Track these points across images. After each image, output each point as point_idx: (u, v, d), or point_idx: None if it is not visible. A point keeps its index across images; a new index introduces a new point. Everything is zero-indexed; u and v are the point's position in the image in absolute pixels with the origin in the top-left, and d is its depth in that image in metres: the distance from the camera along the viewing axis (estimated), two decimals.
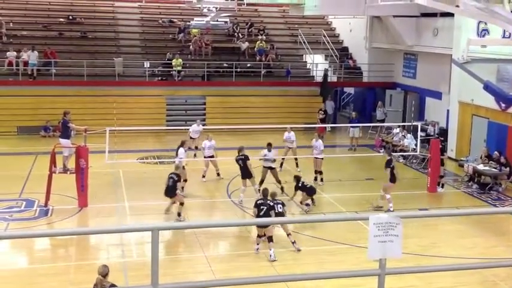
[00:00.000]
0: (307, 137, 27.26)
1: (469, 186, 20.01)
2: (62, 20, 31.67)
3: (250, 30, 32.93)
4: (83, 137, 17.35)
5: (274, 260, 13.41)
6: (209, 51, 30.77)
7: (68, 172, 17.17)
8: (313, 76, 31.42)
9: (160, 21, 33.00)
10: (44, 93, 27.10)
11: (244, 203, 17.28)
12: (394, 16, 27.29)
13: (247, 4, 33.51)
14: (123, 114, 26.22)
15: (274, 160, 18.81)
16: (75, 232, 11.50)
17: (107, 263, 10.47)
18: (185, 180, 18.12)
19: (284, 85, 30.07)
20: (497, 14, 14.80)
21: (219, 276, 12.47)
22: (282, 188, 18.35)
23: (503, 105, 20.98)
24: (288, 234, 14.13)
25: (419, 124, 21.71)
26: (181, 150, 18.81)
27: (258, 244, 13.88)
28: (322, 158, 19.73)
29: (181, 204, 15.94)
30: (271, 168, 18.58)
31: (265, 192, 14.31)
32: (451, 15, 23.20)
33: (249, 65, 30.52)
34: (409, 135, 23.63)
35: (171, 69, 29.10)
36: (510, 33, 19.71)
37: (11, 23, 30.46)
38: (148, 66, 29.04)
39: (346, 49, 33.53)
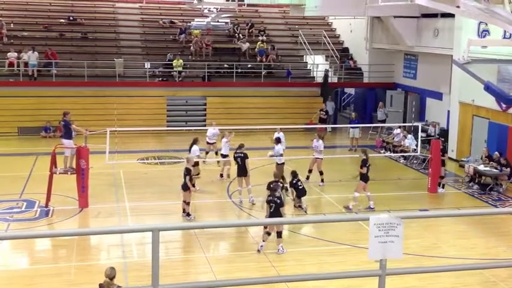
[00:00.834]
0: (307, 138, 27.32)
1: (469, 187, 20.00)
2: (62, 20, 31.69)
3: (250, 31, 32.94)
4: (84, 137, 17.35)
5: (283, 252, 13.72)
6: (210, 52, 30.78)
7: (69, 172, 17.17)
8: (314, 77, 31.43)
9: (160, 22, 33.02)
10: (44, 93, 27.12)
11: (244, 204, 17.29)
12: (395, 17, 27.29)
13: (248, 5, 33.55)
14: (123, 114, 26.23)
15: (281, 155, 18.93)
16: (75, 233, 11.53)
17: (107, 264, 10.47)
18: (197, 174, 18.58)
19: (284, 86, 30.08)
20: (498, 14, 14.79)
21: (220, 276, 12.47)
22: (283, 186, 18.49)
23: (503, 105, 20.99)
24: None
25: (419, 125, 21.71)
26: (195, 147, 18.81)
27: (263, 241, 13.88)
28: (321, 159, 19.74)
29: (185, 202, 15.89)
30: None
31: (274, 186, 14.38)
32: (452, 15, 23.20)
33: (249, 65, 30.54)
34: (409, 135, 23.63)
35: (171, 70, 29.11)
36: (511, 34, 19.72)
37: (12, 24, 30.48)
38: (148, 67, 29.05)
39: (346, 50, 33.54)
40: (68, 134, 17.87)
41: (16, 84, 27.25)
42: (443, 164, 19.44)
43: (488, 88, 16.76)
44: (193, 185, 16.22)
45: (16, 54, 27.51)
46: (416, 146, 21.73)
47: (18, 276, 12.74)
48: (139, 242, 14.31)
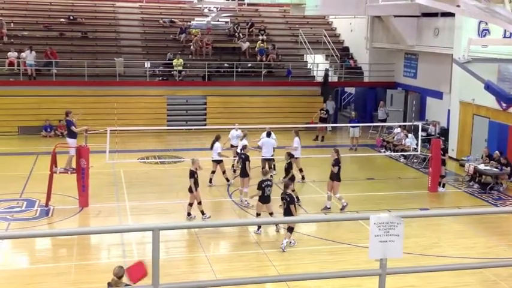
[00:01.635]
0: (308, 137, 27.33)
1: (470, 186, 20.00)
2: (62, 20, 31.68)
3: (251, 30, 32.93)
4: (84, 137, 17.35)
5: (293, 245, 13.94)
6: (210, 51, 30.78)
7: (69, 172, 17.18)
8: (314, 76, 31.42)
9: (161, 21, 33.01)
10: (44, 93, 27.12)
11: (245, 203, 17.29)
12: (395, 16, 27.29)
13: (248, 4, 33.51)
14: (124, 114, 26.24)
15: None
16: (76, 232, 11.49)
17: (108, 263, 10.47)
18: (213, 172, 18.88)
19: (285, 85, 30.08)
20: (498, 13, 14.79)
21: (220, 276, 12.48)
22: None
23: (504, 104, 20.99)
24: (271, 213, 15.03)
25: (420, 124, 21.71)
26: (217, 144, 18.83)
27: (286, 239, 14.04)
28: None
29: (190, 204, 15.85)
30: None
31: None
32: (452, 15, 23.20)
33: (249, 65, 30.53)
34: (410, 134, 23.63)
35: (171, 69, 29.11)
36: (511, 33, 19.71)
37: (12, 23, 30.48)
38: (149, 66, 29.06)
39: (347, 49, 33.54)
40: (71, 133, 17.87)
41: (16, 83, 27.25)
42: (443, 163, 19.44)
43: (488, 87, 16.75)
44: (196, 189, 15.90)
45: (16, 53, 27.51)
46: (417, 145, 21.73)
47: (19, 276, 12.74)
48: (140, 242, 14.32)
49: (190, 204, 15.91)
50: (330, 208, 16.93)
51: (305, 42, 31.98)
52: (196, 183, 15.72)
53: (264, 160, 19.17)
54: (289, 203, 13.98)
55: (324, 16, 34.78)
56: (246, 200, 17.21)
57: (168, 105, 28.61)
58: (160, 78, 29.23)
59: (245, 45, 31.10)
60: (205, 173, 18.37)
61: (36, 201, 17.19)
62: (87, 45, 30.38)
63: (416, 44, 27.44)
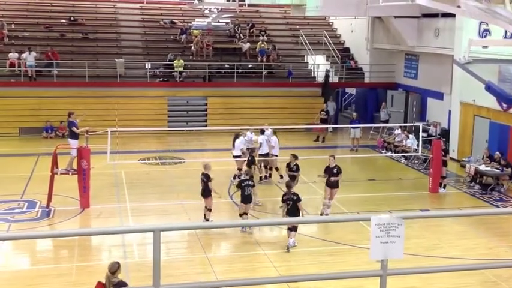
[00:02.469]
0: (308, 138, 27.34)
1: (471, 187, 19.99)
2: (63, 21, 31.70)
3: (251, 31, 32.93)
4: (85, 138, 17.36)
5: (293, 246, 13.93)
6: (210, 52, 30.78)
7: (70, 173, 17.18)
8: (315, 77, 31.42)
9: (161, 22, 33.02)
10: (45, 94, 27.13)
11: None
12: (396, 17, 27.29)
13: (249, 5, 33.52)
14: (124, 115, 26.23)
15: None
16: (77, 233, 11.54)
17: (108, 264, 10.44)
18: (239, 169, 18.85)
19: (285, 86, 30.07)
20: (499, 14, 14.79)
21: (221, 277, 12.48)
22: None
23: (504, 105, 20.98)
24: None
25: (421, 125, 21.70)
26: (238, 141, 18.88)
27: (291, 239, 14.02)
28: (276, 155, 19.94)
29: (209, 210, 15.54)
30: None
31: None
32: (453, 15, 23.20)
33: (250, 66, 30.54)
34: (410, 135, 23.63)
35: (172, 70, 29.12)
36: (511, 34, 19.71)
37: (13, 24, 30.51)
38: (149, 67, 29.07)
39: (347, 50, 33.54)
40: (73, 133, 17.88)
41: (17, 84, 27.27)
42: (444, 164, 19.43)
43: (489, 88, 16.75)
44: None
45: (17, 54, 27.52)
46: (418, 146, 21.72)
47: (20, 277, 12.74)
48: (141, 243, 14.32)
49: (209, 210, 15.57)
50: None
51: (306, 43, 31.98)
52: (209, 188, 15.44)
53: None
54: (296, 201, 14.01)
55: (325, 17, 34.78)
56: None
57: (168, 106, 28.62)
58: (161, 79, 29.23)
59: (246, 46, 31.11)
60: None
61: (37, 202, 17.19)
62: (87, 46, 30.40)
63: (417, 45, 27.44)
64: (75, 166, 17.16)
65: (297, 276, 10.51)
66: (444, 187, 19.46)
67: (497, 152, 20.25)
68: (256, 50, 31.08)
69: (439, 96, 26.60)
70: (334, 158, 16.68)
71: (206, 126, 28.23)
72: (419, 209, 17.39)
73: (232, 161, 19.74)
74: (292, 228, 14.06)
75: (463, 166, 21.60)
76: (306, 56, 32.71)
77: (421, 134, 21.00)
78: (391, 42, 29.13)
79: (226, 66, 30.20)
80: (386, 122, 27.74)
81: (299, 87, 30.30)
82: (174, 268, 12.85)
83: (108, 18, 33.00)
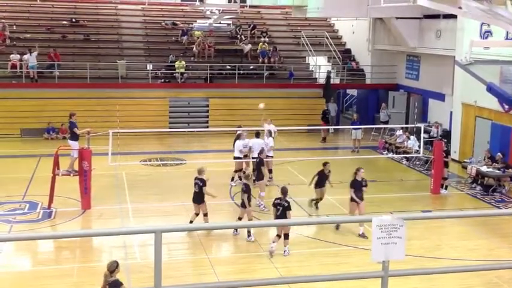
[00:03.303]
0: (309, 139, 27.35)
1: (472, 188, 19.98)
2: (65, 22, 31.73)
3: (252, 32, 32.95)
4: (86, 139, 17.37)
5: (288, 254, 13.72)
6: (212, 53, 30.81)
7: (71, 174, 17.20)
8: (316, 78, 31.43)
9: (163, 23, 33.05)
10: (47, 95, 27.16)
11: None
12: (397, 18, 27.29)
13: (250, 6, 33.59)
14: (126, 116, 26.20)
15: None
16: (78, 234, 11.56)
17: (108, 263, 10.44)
18: (235, 171, 18.98)
19: (287, 87, 30.09)
20: (500, 15, 14.79)
21: (222, 278, 12.47)
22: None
23: (506, 106, 20.94)
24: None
25: (422, 126, 21.69)
26: (238, 142, 18.86)
27: (274, 243, 13.75)
28: (272, 157, 19.83)
29: (205, 215, 15.18)
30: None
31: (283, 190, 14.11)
32: (454, 16, 23.21)
33: (251, 67, 30.55)
34: (412, 136, 23.62)
35: (174, 71, 29.14)
36: None
37: (14, 26, 30.54)
38: (151, 68, 29.08)
39: (349, 51, 33.54)
40: (74, 135, 17.89)
41: (19, 86, 27.30)
42: (446, 165, 19.42)
43: (490, 89, 16.75)
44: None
45: (19, 56, 27.56)
46: (419, 147, 21.71)
47: (21, 278, 12.76)
48: (142, 244, 14.32)
49: (205, 215, 15.23)
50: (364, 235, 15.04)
51: (307, 44, 31.98)
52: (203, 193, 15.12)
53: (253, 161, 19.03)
54: (286, 209, 13.64)
55: (326, 18, 34.78)
56: (262, 204, 17.19)
57: (170, 107, 28.63)
58: (163, 80, 29.26)
59: (247, 47, 31.13)
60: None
61: (39, 204, 17.20)
62: (89, 47, 30.43)
63: (418, 46, 27.44)
64: (76, 167, 17.18)
65: (298, 277, 10.49)
66: (446, 188, 19.45)
67: (499, 153, 20.23)
68: (258, 51, 31.10)
69: (441, 97, 26.59)
70: (363, 170, 15.46)
71: (207, 127, 28.25)
72: (421, 210, 17.39)
73: (234, 162, 19.76)
74: (285, 236, 13.66)
75: (465, 167, 21.58)
76: (307, 57, 32.72)
77: (422, 135, 20.98)
78: (392, 43, 29.14)
79: (228, 67, 30.22)
80: (386, 123, 27.74)
81: (300, 89, 30.31)
82: (175, 269, 12.85)
83: (110, 20, 33.03)
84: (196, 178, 15.23)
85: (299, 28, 33.95)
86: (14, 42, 29.33)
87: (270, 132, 19.99)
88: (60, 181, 17.04)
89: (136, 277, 12.35)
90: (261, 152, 17.85)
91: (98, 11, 33.57)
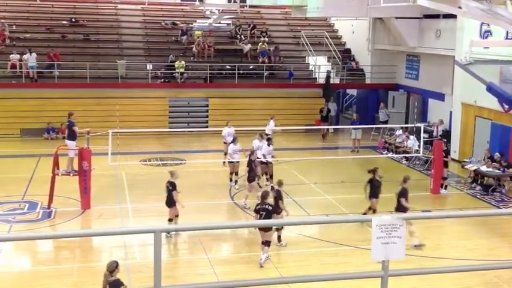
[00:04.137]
0: (308, 139, 27.36)
1: (472, 188, 19.98)
2: (64, 22, 31.72)
3: (252, 32, 32.94)
4: (86, 139, 17.37)
5: (266, 262, 13.21)
6: (212, 53, 30.80)
7: (71, 174, 17.20)
8: (316, 78, 31.43)
9: (163, 23, 33.04)
10: (47, 95, 27.16)
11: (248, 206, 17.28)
12: (397, 18, 27.29)
13: (250, 6, 33.56)
14: (125, 116, 26.18)
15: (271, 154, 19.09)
16: (78, 234, 11.54)
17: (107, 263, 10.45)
18: (231, 173, 18.96)
19: (287, 87, 30.09)
20: (500, 15, 14.79)
21: (222, 278, 12.47)
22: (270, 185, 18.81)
23: (506, 106, 20.94)
24: None
25: (422, 126, 21.70)
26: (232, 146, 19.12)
27: (264, 254, 13.20)
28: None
29: (176, 216, 14.87)
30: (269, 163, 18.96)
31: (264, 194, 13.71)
32: (454, 16, 23.21)
33: (251, 67, 30.55)
34: (412, 136, 23.63)
35: (173, 71, 29.14)
36: None
37: (14, 26, 30.53)
38: (151, 68, 29.08)
39: (348, 51, 33.54)
40: (71, 135, 17.88)
41: (18, 86, 27.29)
42: (445, 165, 19.42)
43: (490, 89, 16.76)
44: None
45: (18, 56, 27.55)
46: (419, 147, 21.70)
47: (21, 278, 12.76)
48: (142, 244, 14.31)
49: (176, 216, 14.85)
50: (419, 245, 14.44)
51: (307, 44, 31.98)
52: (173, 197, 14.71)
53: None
54: (272, 212, 13.30)
55: (326, 18, 34.77)
56: (246, 204, 17.23)
57: (170, 107, 28.64)
58: (162, 80, 29.26)
59: (247, 47, 31.13)
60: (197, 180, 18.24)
61: (39, 203, 17.20)
62: (89, 47, 30.43)
63: (418, 46, 27.44)
64: (76, 167, 17.18)
65: (298, 277, 10.50)
66: (445, 188, 19.45)
67: (497, 153, 20.23)
68: (257, 51, 31.10)
69: (440, 97, 26.59)
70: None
71: (207, 127, 28.24)
72: (421, 210, 17.36)
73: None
74: (265, 243, 13.20)
75: (464, 167, 21.58)
76: (307, 57, 32.72)
77: (422, 134, 20.98)
78: (392, 43, 29.13)
79: (228, 67, 30.21)
80: (386, 122, 27.75)
81: (300, 88, 30.31)
82: (175, 269, 12.85)
83: (110, 20, 33.02)
84: (167, 182, 14.94)
85: (299, 28, 33.94)
86: (14, 42, 29.32)
87: (261, 135, 19.78)
88: (59, 181, 17.04)
89: (136, 277, 12.35)
90: (252, 153, 17.69)
91: (97, 11, 33.56)
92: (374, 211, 15.55)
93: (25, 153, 23.47)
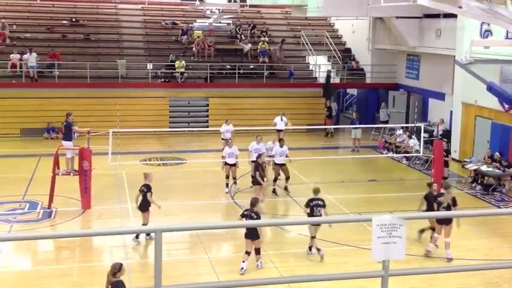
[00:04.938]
0: (309, 138, 27.36)
1: (472, 188, 19.97)
2: (65, 22, 31.72)
3: (252, 31, 32.93)
4: (86, 138, 17.37)
5: (261, 268, 13.05)
6: (212, 52, 30.80)
7: (71, 174, 17.20)
8: (316, 77, 31.43)
9: (163, 23, 33.04)
10: (47, 95, 27.15)
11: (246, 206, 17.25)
12: (397, 17, 27.27)
13: (250, 6, 33.54)
14: (126, 116, 26.18)
15: (287, 156, 18.83)
16: (78, 234, 11.54)
17: (110, 265, 10.45)
18: (227, 177, 18.54)
19: (287, 87, 30.08)
20: (500, 14, 14.78)
21: (223, 278, 12.47)
22: (286, 188, 18.64)
23: (506, 106, 20.93)
24: None
25: (422, 125, 21.69)
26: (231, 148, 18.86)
27: (244, 262, 12.81)
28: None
29: (144, 224, 14.47)
30: (283, 164, 18.68)
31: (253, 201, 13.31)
32: (454, 16, 23.19)
33: (251, 66, 30.54)
34: (414, 136, 23.62)
35: (174, 71, 29.13)
36: None
37: (14, 25, 30.52)
38: (151, 68, 29.08)
39: (349, 50, 33.53)
40: (67, 135, 17.89)
41: (19, 85, 27.29)
42: (446, 164, 19.40)
43: (491, 88, 16.75)
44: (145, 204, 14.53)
45: (19, 55, 27.55)
46: (419, 146, 21.70)
47: (21, 278, 12.76)
48: (142, 243, 14.32)
49: (145, 225, 14.30)
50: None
51: (307, 43, 31.97)
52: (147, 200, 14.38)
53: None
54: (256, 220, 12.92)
55: (326, 17, 34.76)
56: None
57: (170, 107, 28.64)
58: (163, 80, 29.25)
59: (247, 46, 31.12)
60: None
61: (39, 203, 17.20)
62: (89, 47, 30.43)
63: (418, 45, 27.43)
64: (76, 167, 17.18)
65: (298, 277, 10.50)
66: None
67: (497, 153, 20.22)
68: (258, 50, 31.09)
69: (441, 96, 26.58)
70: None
71: (207, 127, 28.24)
72: (421, 210, 17.34)
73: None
74: (256, 251, 13.00)
75: (464, 167, 21.57)
76: (307, 57, 32.72)
77: (422, 134, 20.97)
78: (392, 42, 29.13)
79: (228, 67, 30.21)
80: (386, 122, 27.74)
81: (300, 88, 30.30)
82: (175, 269, 12.85)
83: (110, 19, 33.02)
84: (142, 185, 14.61)
85: (299, 27, 33.93)
86: (14, 42, 29.32)
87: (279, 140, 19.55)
88: (60, 181, 17.04)
89: (136, 277, 12.36)
90: (259, 156, 17.40)
91: (97, 11, 33.56)
92: (432, 229, 14.43)
93: (25, 153, 23.46)
